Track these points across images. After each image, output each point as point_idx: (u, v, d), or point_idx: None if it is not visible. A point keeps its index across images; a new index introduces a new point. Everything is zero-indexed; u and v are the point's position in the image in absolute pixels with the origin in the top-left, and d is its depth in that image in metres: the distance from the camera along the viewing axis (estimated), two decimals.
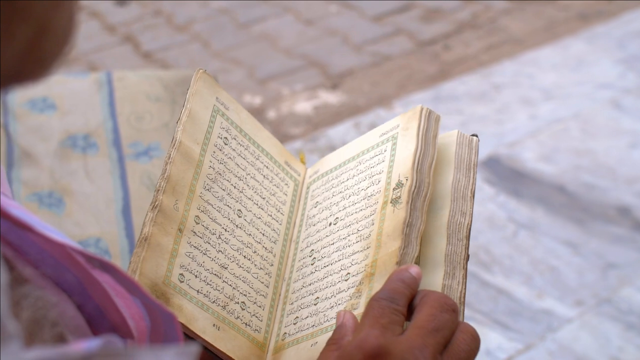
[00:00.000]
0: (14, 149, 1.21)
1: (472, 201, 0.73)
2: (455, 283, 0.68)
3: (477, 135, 0.78)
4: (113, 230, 1.12)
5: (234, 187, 0.76)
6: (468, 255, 0.70)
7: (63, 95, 1.29)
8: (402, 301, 0.58)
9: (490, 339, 1.69)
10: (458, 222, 0.71)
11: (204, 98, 0.76)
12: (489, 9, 3.03)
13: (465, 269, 0.69)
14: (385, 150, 0.76)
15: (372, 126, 2.32)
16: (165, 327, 0.53)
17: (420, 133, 0.73)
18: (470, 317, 1.74)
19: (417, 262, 0.69)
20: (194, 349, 0.38)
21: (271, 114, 2.46)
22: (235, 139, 0.78)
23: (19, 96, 1.27)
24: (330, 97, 2.54)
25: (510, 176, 2.14)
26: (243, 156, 0.78)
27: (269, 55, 2.77)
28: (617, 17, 2.93)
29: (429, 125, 0.74)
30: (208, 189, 0.73)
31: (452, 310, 0.57)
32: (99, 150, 1.22)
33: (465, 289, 0.68)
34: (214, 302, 0.68)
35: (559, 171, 2.16)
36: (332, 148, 2.23)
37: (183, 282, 0.67)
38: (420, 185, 0.70)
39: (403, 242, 0.66)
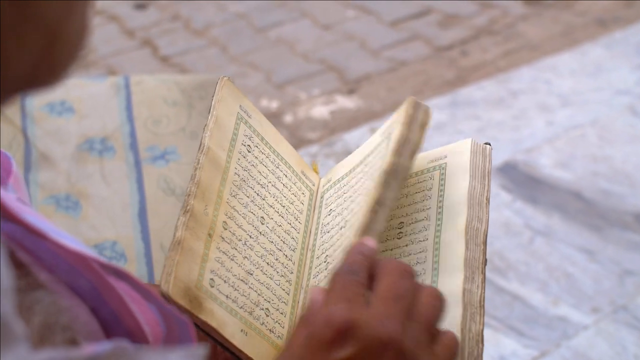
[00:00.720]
0: (32, 152, 1.22)
1: (487, 207, 0.74)
2: (474, 287, 0.70)
3: (490, 144, 0.78)
4: (129, 234, 1.13)
5: (257, 194, 0.76)
6: (486, 260, 0.71)
7: (81, 98, 1.30)
8: (362, 273, 0.57)
9: (505, 345, 1.69)
10: (475, 227, 0.72)
11: (229, 105, 0.78)
12: (507, 15, 3.03)
13: (484, 274, 0.70)
14: (384, 148, 0.77)
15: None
16: (180, 333, 0.54)
17: (406, 121, 0.73)
18: (485, 322, 1.73)
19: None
20: (201, 351, 0.38)
21: (288, 118, 2.46)
22: (257, 147, 0.79)
23: (38, 99, 1.28)
24: (346, 102, 2.54)
25: (526, 182, 2.13)
26: (265, 164, 0.79)
27: (286, 60, 2.78)
28: (635, 23, 2.92)
29: (416, 115, 0.74)
30: (234, 195, 0.74)
31: (410, 275, 0.57)
32: (115, 153, 1.22)
33: (484, 292, 0.70)
34: (241, 307, 0.69)
35: (576, 178, 2.15)
36: (348, 153, 2.23)
37: (213, 287, 0.67)
38: (397, 168, 0.70)
39: (369, 218, 0.67)
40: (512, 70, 2.65)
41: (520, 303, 1.78)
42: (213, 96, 0.78)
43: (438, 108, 2.44)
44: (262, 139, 0.80)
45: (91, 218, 1.15)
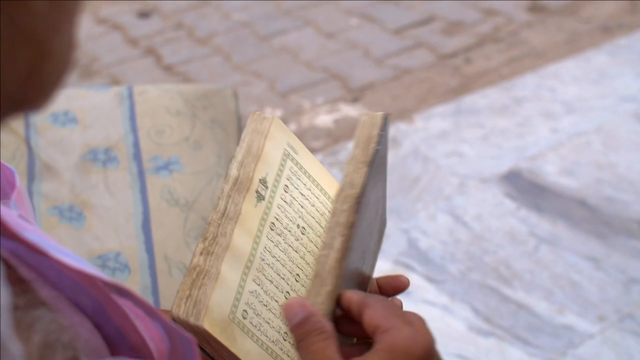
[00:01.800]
0: (36, 163, 1.21)
1: (365, 170, 0.71)
2: (333, 252, 0.67)
3: (387, 115, 0.78)
4: (132, 245, 1.12)
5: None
6: (352, 222, 0.68)
7: (84, 109, 1.30)
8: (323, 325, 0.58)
9: (511, 355, 1.68)
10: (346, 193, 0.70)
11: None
12: (511, 22, 3.03)
13: (345, 236, 0.67)
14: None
15: (393, 140, 2.32)
16: (184, 350, 0.53)
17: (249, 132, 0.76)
18: (491, 332, 1.73)
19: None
20: None
21: (292, 127, 2.46)
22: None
23: None
24: (351, 111, 2.54)
25: (531, 190, 2.13)
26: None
27: (289, 69, 2.78)
28: (639, 30, 2.91)
29: (256, 125, 0.77)
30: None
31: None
32: (119, 164, 1.22)
33: (343, 255, 0.66)
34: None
35: (581, 185, 2.15)
36: None
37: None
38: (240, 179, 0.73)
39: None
40: (516, 77, 2.65)
41: (526, 312, 1.78)
42: (245, 127, 0.78)
43: (442, 116, 2.44)
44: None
45: (95, 229, 1.14)
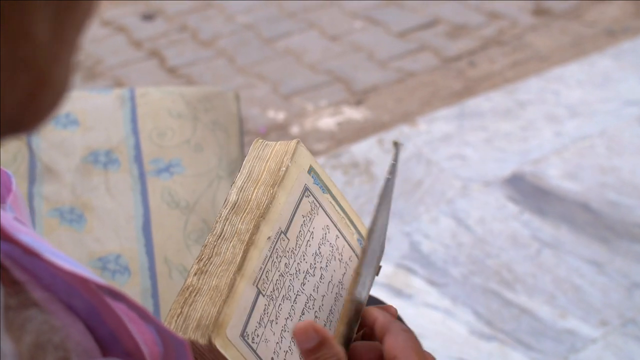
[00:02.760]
0: (37, 165, 1.21)
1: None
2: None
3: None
4: (133, 247, 1.12)
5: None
6: (362, 258, 0.70)
7: (86, 111, 1.30)
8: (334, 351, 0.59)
9: (513, 359, 1.68)
10: None
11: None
12: (515, 26, 3.02)
13: (356, 272, 0.68)
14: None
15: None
16: (177, 353, 0.53)
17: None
18: (493, 336, 1.72)
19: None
20: None
21: (295, 129, 2.46)
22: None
23: None
24: (354, 113, 2.54)
25: (534, 194, 2.12)
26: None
27: (293, 71, 2.78)
28: None
29: (257, 153, 0.79)
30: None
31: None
32: (120, 166, 1.22)
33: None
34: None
35: (584, 189, 2.14)
36: (354, 165, 2.23)
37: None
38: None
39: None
40: (520, 81, 2.65)
41: (528, 316, 1.77)
42: (247, 154, 0.78)
43: (445, 119, 2.44)
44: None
45: (95, 231, 1.14)
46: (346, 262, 0.78)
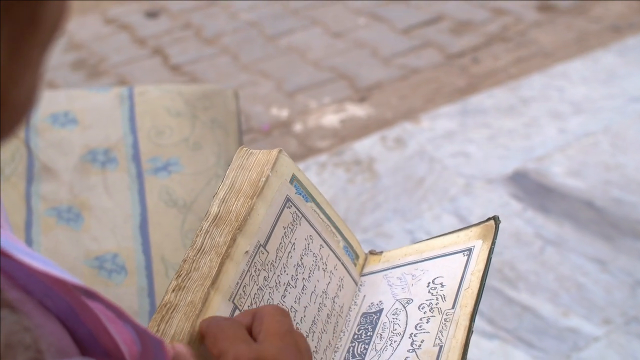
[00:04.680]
0: (35, 164, 1.21)
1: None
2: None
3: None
4: (130, 246, 1.12)
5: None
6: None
7: (84, 109, 1.30)
8: (239, 318, 0.62)
9: (515, 357, 1.67)
10: None
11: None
12: (520, 22, 3.01)
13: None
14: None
15: (398, 140, 2.31)
16: (155, 352, 0.53)
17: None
18: (495, 334, 1.72)
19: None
20: None
21: (298, 127, 2.45)
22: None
23: (41, 111, 1.27)
24: (357, 110, 2.53)
25: (537, 191, 2.11)
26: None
27: (297, 68, 2.77)
28: None
29: (241, 162, 0.76)
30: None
31: (287, 314, 0.62)
32: (118, 165, 1.22)
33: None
34: None
35: (588, 186, 2.13)
36: (357, 162, 2.23)
37: None
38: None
39: None
40: (523, 77, 2.63)
41: (530, 314, 1.76)
42: (231, 164, 0.76)
43: (448, 116, 2.43)
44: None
45: (93, 230, 1.14)
46: (331, 271, 0.77)
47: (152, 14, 3.13)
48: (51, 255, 1.09)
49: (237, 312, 0.66)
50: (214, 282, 0.66)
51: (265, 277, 0.70)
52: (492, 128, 2.38)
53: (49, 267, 0.47)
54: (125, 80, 2.69)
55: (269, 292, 0.70)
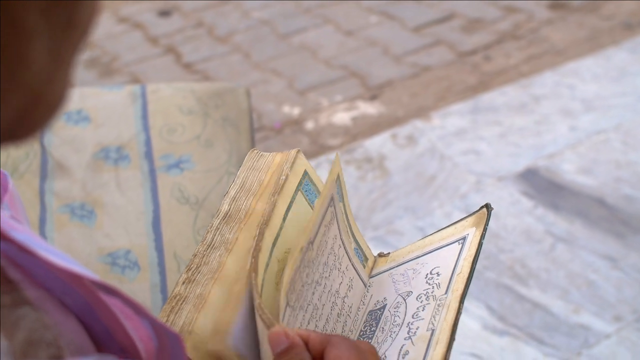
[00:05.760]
0: (48, 161, 1.22)
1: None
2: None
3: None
4: (142, 243, 1.13)
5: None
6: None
7: (97, 107, 1.31)
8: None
9: (526, 354, 1.67)
10: None
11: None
12: (531, 19, 3.01)
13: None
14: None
15: (409, 138, 2.32)
16: (172, 348, 0.54)
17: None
18: (505, 331, 1.72)
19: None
20: None
21: (309, 125, 2.46)
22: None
23: None
24: (369, 108, 2.54)
25: (548, 188, 2.11)
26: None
27: (308, 66, 2.78)
28: None
29: (252, 163, 0.79)
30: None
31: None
32: (130, 162, 1.23)
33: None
34: None
35: (599, 184, 2.13)
36: (368, 160, 2.23)
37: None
38: None
39: None
40: (535, 75, 2.63)
41: (541, 311, 1.77)
42: (242, 165, 0.78)
43: (459, 114, 2.43)
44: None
45: (105, 227, 1.15)
46: (343, 271, 0.78)
47: (164, 13, 3.14)
48: (64, 252, 1.10)
49: (288, 309, 0.68)
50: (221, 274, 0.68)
51: (307, 273, 0.71)
52: (503, 126, 2.38)
53: (69, 263, 0.48)
54: (138, 78, 2.71)
55: (306, 289, 0.71)
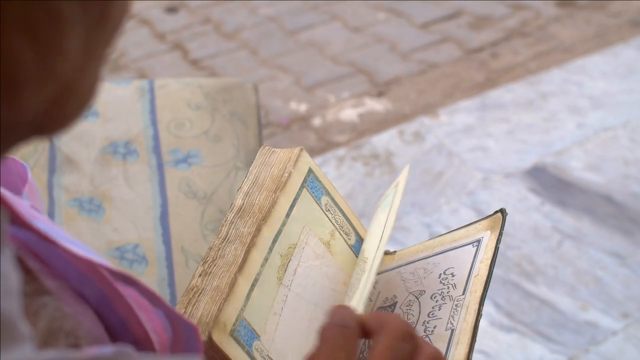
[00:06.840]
0: (57, 155, 1.23)
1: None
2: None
3: None
4: (150, 237, 1.13)
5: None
6: None
7: (106, 102, 1.31)
8: (354, 324, 0.54)
9: (533, 351, 1.67)
10: None
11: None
12: (539, 17, 3.00)
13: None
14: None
15: (416, 134, 2.32)
16: (187, 338, 0.54)
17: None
18: (513, 327, 1.72)
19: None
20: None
21: (317, 121, 2.46)
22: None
23: None
24: (376, 105, 2.53)
25: (556, 185, 2.11)
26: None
27: (316, 63, 2.78)
28: None
29: (264, 159, 0.81)
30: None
31: (411, 337, 0.54)
32: (138, 157, 1.23)
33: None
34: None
35: (607, 181, 2.13)
36: (375, 156, 2.23)
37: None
38: None
39: None
40: (542, 72, 2.63)
41: (549, 308, 1.76)
42: (254, 161, 0.80)
43: (467, 111, 2.43)
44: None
45: (114, 221, 1.15)
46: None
47: (171, 9, 3.14)
48: None
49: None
50: (240, 268, 0.69)
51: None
52: (510, 123, 2.38)
53: (88, 253, 0.48)
54: (145, 74, 2.71)
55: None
